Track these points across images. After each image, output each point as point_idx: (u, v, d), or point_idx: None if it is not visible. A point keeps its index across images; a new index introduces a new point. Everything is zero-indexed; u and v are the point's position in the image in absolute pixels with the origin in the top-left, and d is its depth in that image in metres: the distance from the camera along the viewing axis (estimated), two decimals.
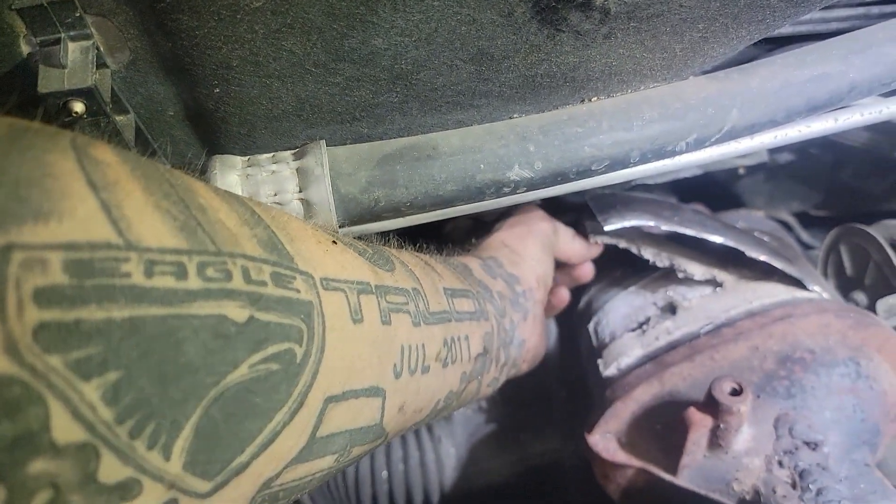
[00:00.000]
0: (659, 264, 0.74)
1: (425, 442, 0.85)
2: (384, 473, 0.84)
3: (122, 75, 0.44)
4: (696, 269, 0.73)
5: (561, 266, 0.78)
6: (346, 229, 0.50)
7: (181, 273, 0.24)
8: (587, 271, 0.79)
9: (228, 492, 0.26)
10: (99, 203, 0.22)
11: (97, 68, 0.41)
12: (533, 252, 0.68)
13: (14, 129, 0.22)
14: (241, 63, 0.43)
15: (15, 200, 0.20)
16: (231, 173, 0.47)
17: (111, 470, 0.21)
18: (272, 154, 0.49)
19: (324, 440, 0.32)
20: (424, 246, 0.54)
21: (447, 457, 0.85)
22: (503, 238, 0.69)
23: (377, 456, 0.84)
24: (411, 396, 0.41)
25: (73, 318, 0.20)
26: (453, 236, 0.85)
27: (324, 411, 0.31)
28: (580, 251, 0.78)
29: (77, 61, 0.40)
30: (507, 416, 0.88)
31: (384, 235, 0.49)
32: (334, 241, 0.36)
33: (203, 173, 0.48)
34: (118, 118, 0.45)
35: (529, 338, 0.63)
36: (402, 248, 0.49)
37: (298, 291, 0.29)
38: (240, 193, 0.46)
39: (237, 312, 0.25)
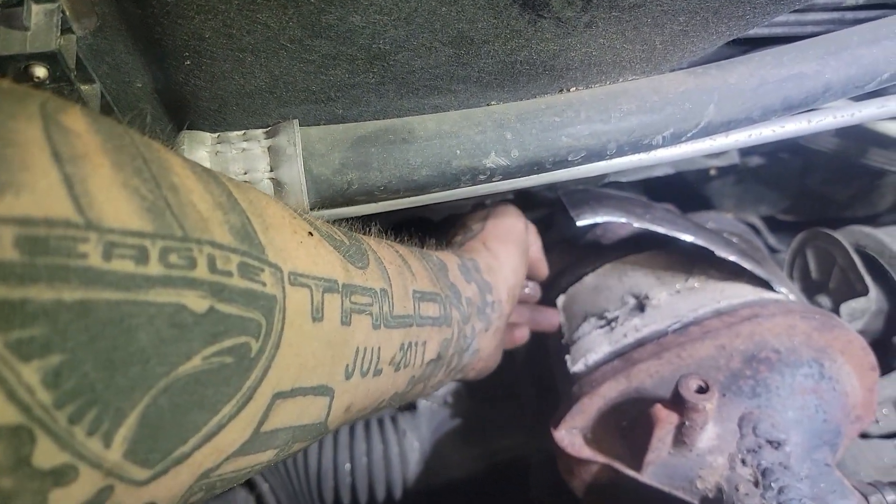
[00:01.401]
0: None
1: (389, 435, 0.85)
2: (347, 466, 0.83)
3: (88, 42, 0.42)
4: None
5: (524, 304, 0.78)
6: (319, 213, 0.49)
7: (142, 258, 0.22)
8: (551, 320, 0.78)
9: (166, 481, 0.25)
10: (62, 177, 0.21)
11: (62, 33, 0.40)
12: (510, 258, 0.68)
13: None
14: (214, 35, 0.42)
15: None
16: (200, 150, 0.46)
17: (47, 455, 0.20)
18: (243, 132, 0.48)
19: (267, 435, 0.31)
20: (407, 238, 0.53)
21: (411, 451, 0.84)
22: (484, 239, 0.68)
23: (340, 449, 0.83)
24: (359, 397, 0.40)
25: (19, 297, 0.19)
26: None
27: (271, 407, 0.30)
28: (540, 265, 0.78)
29: (41, 24, 0.39)
30: (473, 410, 0.88)
31: (367, 221, 0.48)
32: (310, 233, 0.35)
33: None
34: (83, 87, 0.44)
35: (485, 348, 0.62)
36: (381, 238, 0.48)
37: (264, 285, 0.28)
38: None
39: (197, 302, 0.24)
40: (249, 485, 0.84)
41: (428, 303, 0.48)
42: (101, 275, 0.21)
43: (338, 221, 0.43)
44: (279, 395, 0.30)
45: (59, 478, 0.21)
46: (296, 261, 0.32)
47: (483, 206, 0.76)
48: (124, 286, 0.22)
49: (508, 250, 0.68)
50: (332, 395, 0.36)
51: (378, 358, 0.41)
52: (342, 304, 0.36)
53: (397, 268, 0.45)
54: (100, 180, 0.22)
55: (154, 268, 0.23)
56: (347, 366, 0.37)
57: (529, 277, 0.79)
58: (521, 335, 0.78)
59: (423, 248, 0.56)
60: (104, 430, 0.22)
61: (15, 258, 0.19)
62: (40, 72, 0.39)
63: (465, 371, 0.63)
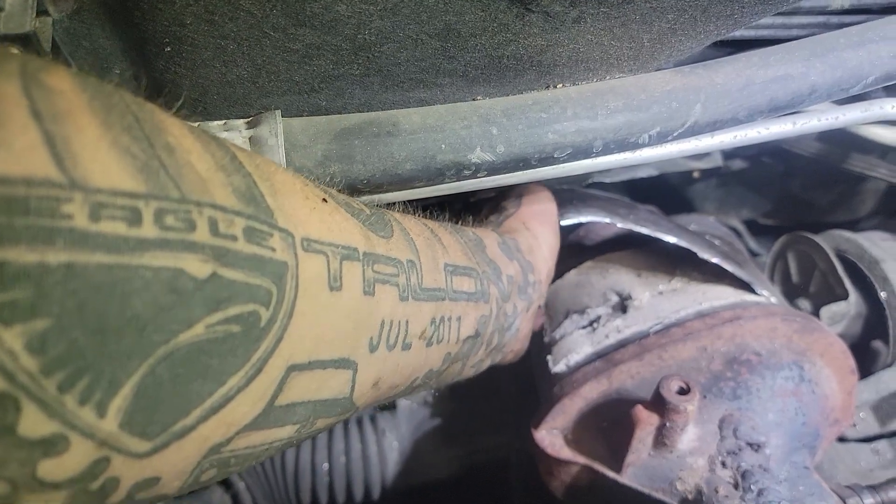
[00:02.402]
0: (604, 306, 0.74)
1: (368, 434, 0.84)
2: (325, 466, 0.82)
3: (64, 25, 0.41)
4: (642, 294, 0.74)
5: None
6: None
7: (135, 219, 0.21)
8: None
9: (169, 455, 0.24)
10: (42, 134, 0.20)
11: (37, 15, 0.38)
12: (549, 238, 0.67)
13: None
14: (196, 21, 0.41)
15: None
16: None
17: (34, 423, 0.20)
18: (224, 121, 0.47)
19: (283, 409, 0.30)
20: (437, 213, 0.51)
21: (390, 450, 0.84)
22: (523, 218, 0.67)
23: (318, 447, 0.82)
24: (388, 372, 0.39)
25: None
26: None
27: (285, 379, 0.29)
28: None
29: (15, 5, 0.37)
30: (454, 410, 0.87)
31: (390, 203, 0.46)
32: (325, 199, 0.34)
33: None
34: None
35: (524, 329, 0.61)
36: (407, 213, 0.46)
37: (273, 250, 0.27)
38: None
39: (198, 267, 0.23)
40: (225, 483, 0.82)
41: (462, 277, 0.46)
42: (88, 237, 0.20)
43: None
44: (294, 368, 0.29)
45: (48, 448, 0.20)
46: (308, 226, 0.30)
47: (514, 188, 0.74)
48: (115, 249, 0.21)
49: (546, 231, 0.67)
50: (356, 368, 0.35)
51: (406, 331, 0.39)
52: (364, 273, 0.34)
53: (425, 240, 0.43)
54: (85, 139, 0.21)
55: (148, 230, 0.22)
56: (372, 338, 0.36)
57: None
58: None
59: (457, 223, 0.54)
60: (97, 400, 0.21)
61: None
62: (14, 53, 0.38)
63: (504, 353, 0.61)
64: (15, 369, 0.19)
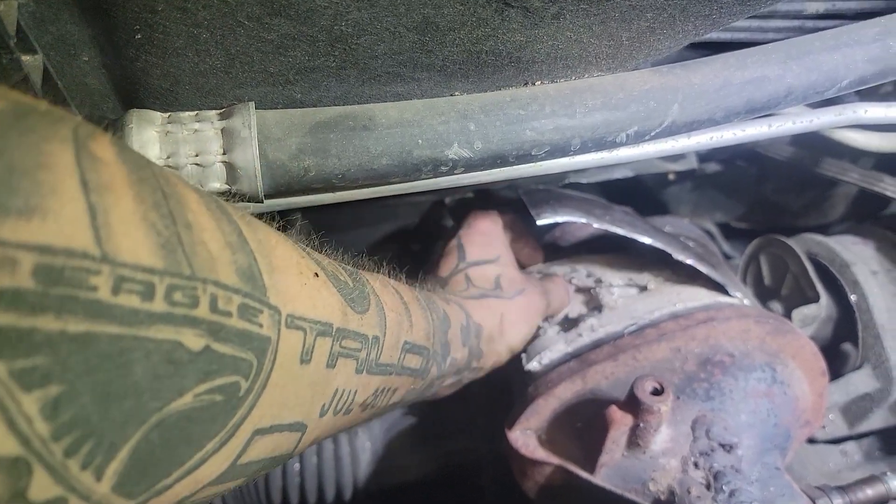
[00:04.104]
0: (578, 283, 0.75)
1: (340, 435, 0.83)
2: (296, 466, 0.81)
3: (30, 9, 0.40)
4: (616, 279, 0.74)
5: None
6: (288, 200, 0.47)
7: (148, 294, 0.23)
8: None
9: None
10: (86, 206, 0.21)
11: None
12: (515, 338, 0.68)
13: (18, 108, 0.21)
14: (167, 8, 0.40)
15: (5, 190, 0.19)
16: (149, 129, 0.44)
17: (42, 488, 0.20)
18: (196, 112, 0.46)
19: (242, 466, 0.31)
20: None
21: (362, 451, 0.83)
22: (523, 304, 0.68)
23: None
24: (326, 432, 0.41)
25: (27, 326, 0.19)
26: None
27: (250, 442, 0.30)
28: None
29: None
30: (427, 411, 0.87)
31: (379, 262, 0.47)
32: (316, 273, 0.36)
33: (117, 128, 0.44)
34: (24, 58, 0.41)
35: (441, 392, 0.64)
36: (388, 280, 0.47)
37: (261, 326, 0.29)
38: (157, 152, 0.43)
39: (194, 341, 0.25)
40: None
41: (414, 355, 0.48)
42: (106, 308, 0.21)
43: (344, 257, 0.42)
44: (258, 432, 0.31)
45: None
46: (296, 303, 0.32)
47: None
48: (127, 321, 0.22)
49: (518, 330, 0.68)
50: (305, 430, 0.36)
51: (353, 400, 0.41)
52: (331, 348, 0.36)
53: (397, 316, 0.45)
54: (121, 212, 0.22)
55: (158, 305, 0.23)
56: (324, 405, 0.38)
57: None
58: None
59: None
60: (97, 464, 0.22)
61: (30, 287, 0.19)
62: None
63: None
64: (30, 434, 0.19)
